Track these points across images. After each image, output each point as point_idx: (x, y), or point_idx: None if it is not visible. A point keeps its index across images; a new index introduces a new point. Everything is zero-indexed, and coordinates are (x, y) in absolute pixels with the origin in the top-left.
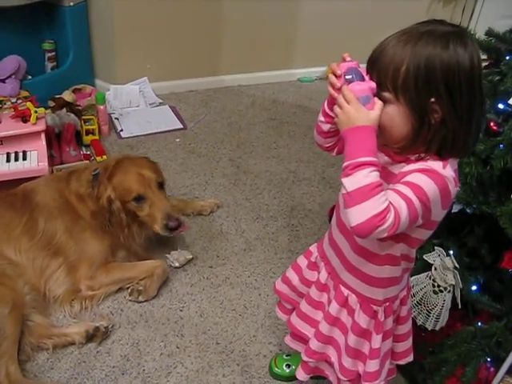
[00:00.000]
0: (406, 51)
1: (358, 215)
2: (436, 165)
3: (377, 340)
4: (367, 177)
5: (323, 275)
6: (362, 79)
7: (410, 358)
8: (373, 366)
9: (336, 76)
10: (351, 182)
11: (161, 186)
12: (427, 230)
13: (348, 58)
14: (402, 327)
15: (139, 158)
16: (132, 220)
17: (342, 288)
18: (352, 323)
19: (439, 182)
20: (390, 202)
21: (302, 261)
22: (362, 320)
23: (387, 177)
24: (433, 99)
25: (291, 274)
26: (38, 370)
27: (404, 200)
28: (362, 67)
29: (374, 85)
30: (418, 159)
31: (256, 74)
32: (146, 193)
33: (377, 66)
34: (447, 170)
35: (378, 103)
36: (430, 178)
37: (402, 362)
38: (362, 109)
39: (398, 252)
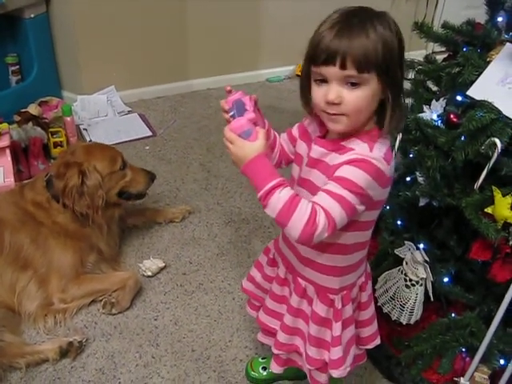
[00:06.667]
0: (371, 34)
1: (292, 231)
2: (363, 150)
3: (337, 328)
4: (279, 199)
5: (282, 270)
6: (244, 111)
7: (378, 341)
8: (336, 353)
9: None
10: (271, 210)
11: None
12: (375, 210)
13: (228, 88)
14: (365, 313)
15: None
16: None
17: (300, 280)
18: (311, 312)
19: (368, 168)
20: (319, 204)
21: (263, 258)
22: (320, 309)
23: (325, 170)
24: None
25: (254, 272)
26: None
27: (334, 198)
28: (248, 95)
29: (252, 115)
30: (348, 148)
31: (224, 77)
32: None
33: (345, 55)
34: (374, 152)
35: (260, 132)
36: (359, 168)
37: (370, 346)
38: (246, 144)
39: (350, 240)
